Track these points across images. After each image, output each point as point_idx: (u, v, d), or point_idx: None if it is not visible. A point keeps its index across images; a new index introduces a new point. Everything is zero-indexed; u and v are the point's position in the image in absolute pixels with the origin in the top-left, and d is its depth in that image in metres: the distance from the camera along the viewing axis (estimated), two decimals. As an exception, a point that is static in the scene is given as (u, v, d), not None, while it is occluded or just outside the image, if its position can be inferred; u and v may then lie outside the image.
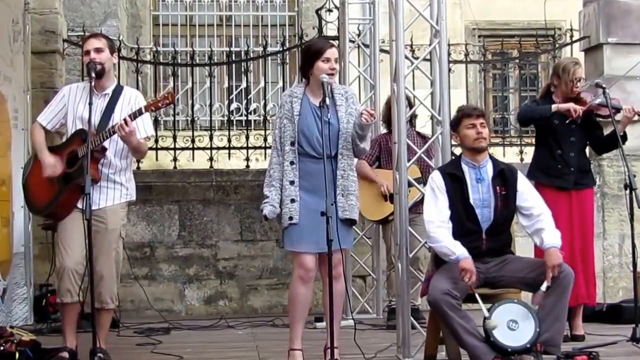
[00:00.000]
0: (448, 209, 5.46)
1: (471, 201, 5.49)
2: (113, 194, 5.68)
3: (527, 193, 5.58)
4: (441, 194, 5.49)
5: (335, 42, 8.85)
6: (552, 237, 5.40)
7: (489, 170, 5.58)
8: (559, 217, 6.46)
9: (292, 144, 5.39)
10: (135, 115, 5.51)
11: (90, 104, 5.50)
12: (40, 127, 5.80)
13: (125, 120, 5.46)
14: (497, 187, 5.52)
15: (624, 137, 6.62)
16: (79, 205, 5.58)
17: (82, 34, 9.16)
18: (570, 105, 6.48)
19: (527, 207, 5.55)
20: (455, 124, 5.64)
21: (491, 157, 5.66)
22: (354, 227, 5.63)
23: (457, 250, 5.30)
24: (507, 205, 5.53)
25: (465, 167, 5.58)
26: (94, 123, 5.59)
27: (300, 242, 5.35)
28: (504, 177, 5.57)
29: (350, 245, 5.69)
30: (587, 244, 6.65)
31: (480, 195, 5.52)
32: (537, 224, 5.50)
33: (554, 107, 6.53)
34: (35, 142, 5.80)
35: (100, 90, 5.66)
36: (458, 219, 5.46)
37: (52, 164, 5.62)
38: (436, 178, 5.57)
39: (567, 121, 6.51)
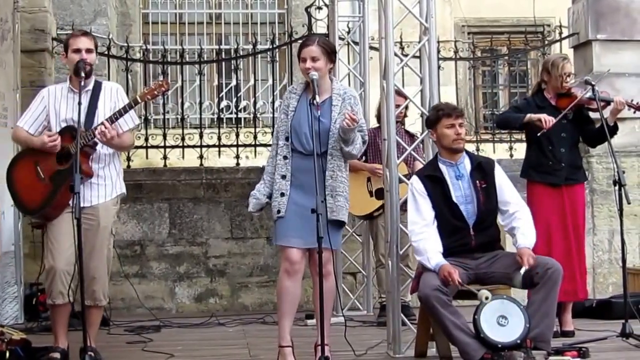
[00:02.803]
0: (431, 210, 5.48)
1: (454, 199, 5.52)
2: (104, 190, 5.65)
3: (504, 187, 5.60)
4: (422, 198, 5.51)
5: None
6: (525, 238, 5.44)
7: (466, 165, 5.61)
8: (552, 214, 6.50)
9: (287, 139, 5.42)
10: (120, 113, 5.54)
11: (80, 103, 5.48)
12: (23, 131, 5.70)
13: (104, 124, 5.45)
14: (477, 181, 5.56)
15: (615, 128, 6.63)
16: (71, 203, 5.53)
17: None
18: (542, 116, 6.47)
19: (504, 201, 5.57)
20: (434, 122, 5.63)
21: (467, 152, 5.68)
22: (342, 227, 5.59)
23: (432, 261, 5.32)
24: (489, 198, 5.56)
25: (443, 167, 5.60)
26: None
27: (287, 237, 5.37)
28: (482, 170, 5.60)
29: (337, 246, 5.61)
30: (579, 239, 6.66)
31: (462, 191, 5.55)
32: (513, 222, 5.54)
33: (526, 117, 6.52)
34: (23, 137, 5.70)
35: (82, 88, 5.63)
36: (444, 218, 5.48)
37: (53, 138, 5.51)
38: (415, 183, 5.58)
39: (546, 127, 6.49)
